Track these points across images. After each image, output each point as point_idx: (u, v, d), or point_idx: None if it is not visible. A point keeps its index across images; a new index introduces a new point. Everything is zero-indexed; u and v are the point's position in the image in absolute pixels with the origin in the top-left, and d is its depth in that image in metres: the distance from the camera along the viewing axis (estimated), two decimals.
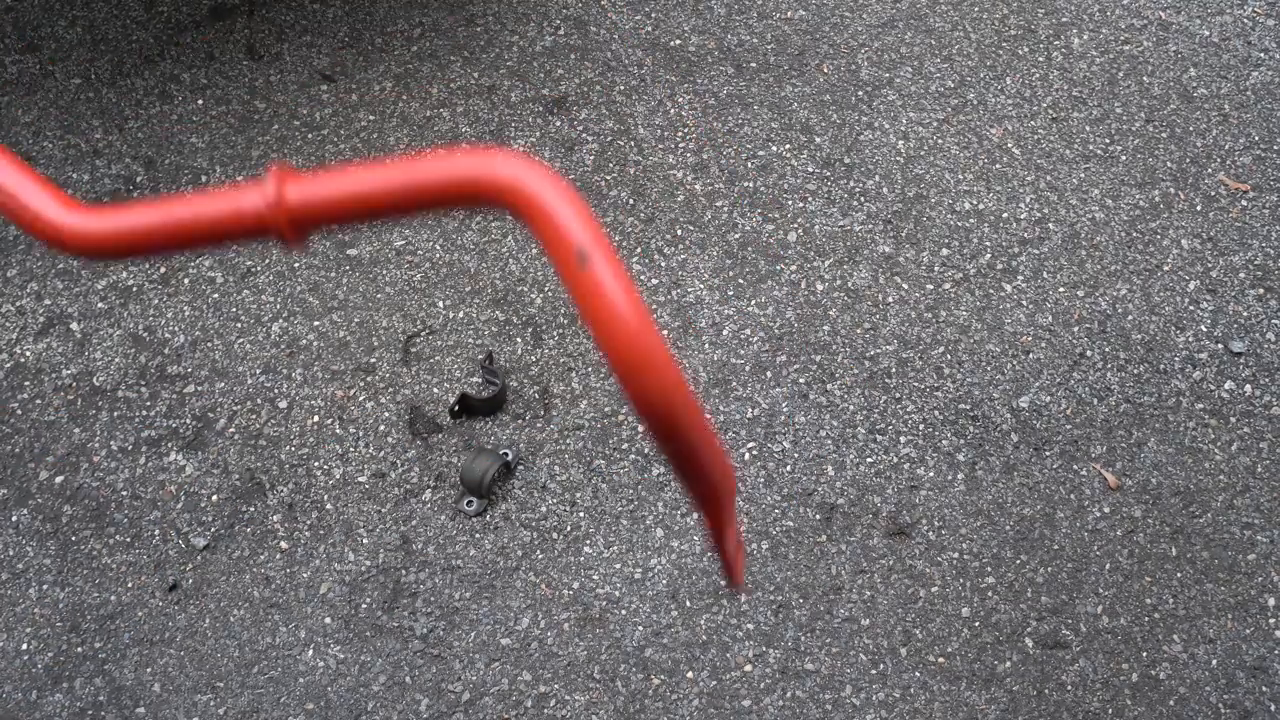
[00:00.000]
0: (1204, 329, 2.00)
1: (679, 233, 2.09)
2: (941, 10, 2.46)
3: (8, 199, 0.56)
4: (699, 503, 0.58)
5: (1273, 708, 1.64)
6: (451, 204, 0.52)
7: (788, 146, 2.22)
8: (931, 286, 2.04)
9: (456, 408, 1.84)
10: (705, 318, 1.99)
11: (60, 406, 1.89)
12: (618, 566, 1.74)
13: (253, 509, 1.79)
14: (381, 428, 1.86)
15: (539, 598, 1.71)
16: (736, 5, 2.45)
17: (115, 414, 1.88)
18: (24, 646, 1.67)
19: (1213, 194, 2.18)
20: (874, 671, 1.66)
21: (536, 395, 1.90)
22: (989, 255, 2.08)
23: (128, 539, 1.76)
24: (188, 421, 1.87)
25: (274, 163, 0.53)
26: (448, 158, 0.51)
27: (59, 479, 1.82)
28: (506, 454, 1.80)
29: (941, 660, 1.67)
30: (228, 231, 0.53)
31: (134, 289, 2.01)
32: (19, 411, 1.88)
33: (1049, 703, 1.64)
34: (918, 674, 1.66)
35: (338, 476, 1.81)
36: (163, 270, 2.03)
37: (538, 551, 1.75)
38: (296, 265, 2.04)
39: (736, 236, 2.09)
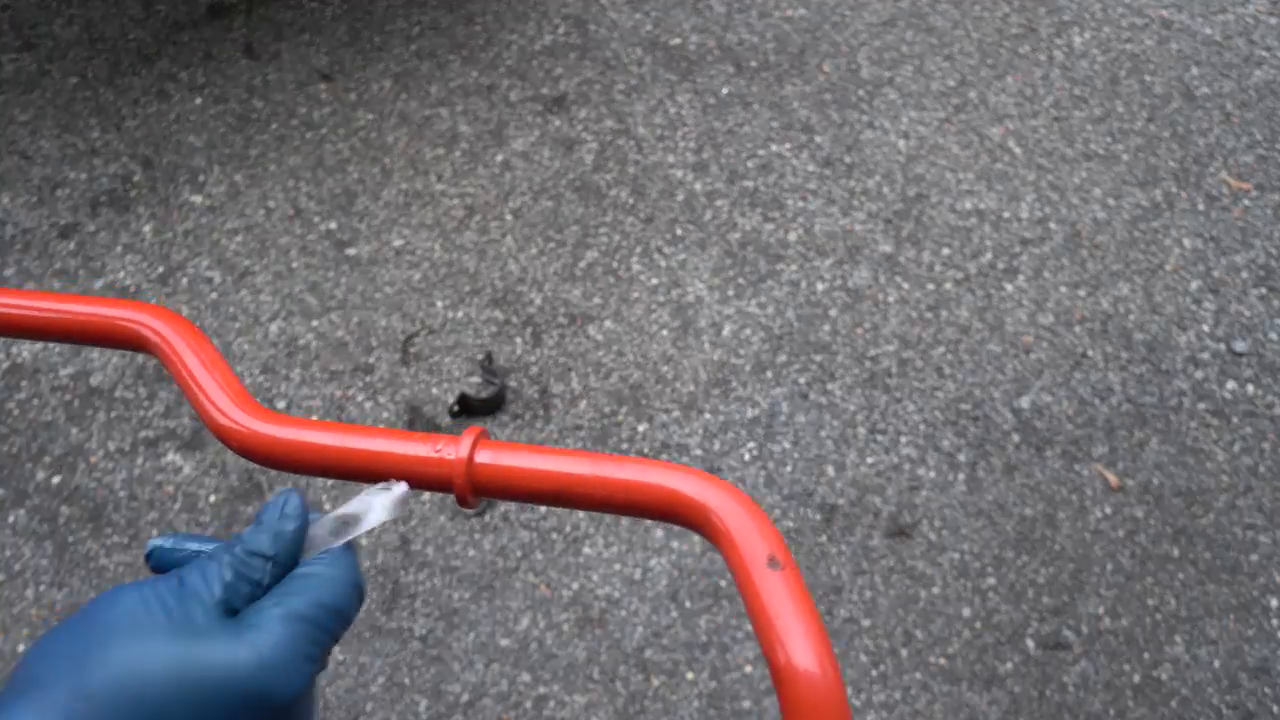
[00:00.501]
0: (1206, 329, 2.00)
1: (679, 232, 2.09)
2: (942, 9, 2.46)
3: (192, 390, 0.59)
4: None
5: (1275, 709, 1.63)
6: (641, 514, 0.52)
7: (788, 146, 2.21)
8: (932, 286, 2.03)
9: (456, 408, 1.83)
10: (705, 317, 1.98)
11: (58, 407, 1.88)
12: (617, 567, 1.73)
13: (251, 509, 1.78)
14: (381, 428, 1.85)
15: (538, 598, 1.70)
16: (737, 4, 2.45)
17: (113, 414, 1.87)
18: (21, 648, 1.66)
19: (1215, 193, 2.17)
20: (874, 672, 1.65)
21: (536, 395, 1.89)
22: (990, 255, 2.07)
23: (125, 539, 1.75)
24: (185, 422, 1.86)
25: (475, 426, 0.55)
26: (647, 467, 0.51)
27: (56, 479, 1.81)
28: None
29: (942, 661, 1.66)
30: (403, 475, 0.53)
31: (132, 289, 2.00)
32: (16, 412, 1.87)
33: (1050, 704, 1.63)
34: (918, 675, 1.65)
35: None
36: (160, 270, 2.03)
37: (537, 552, 1.74)
38: (295, 265, 2.03)
39: (736, 236, 2.08)
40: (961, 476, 1.83)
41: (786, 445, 1.85)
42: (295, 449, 0.54)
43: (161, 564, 0.50)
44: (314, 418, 1.86)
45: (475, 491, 0.53)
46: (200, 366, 0.59)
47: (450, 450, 0.52)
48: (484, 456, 0.53)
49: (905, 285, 2.03)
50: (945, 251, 2.08)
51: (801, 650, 0.45)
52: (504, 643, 1.67)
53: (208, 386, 0.58)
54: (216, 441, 1.86)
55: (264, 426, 0.55)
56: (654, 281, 2.02)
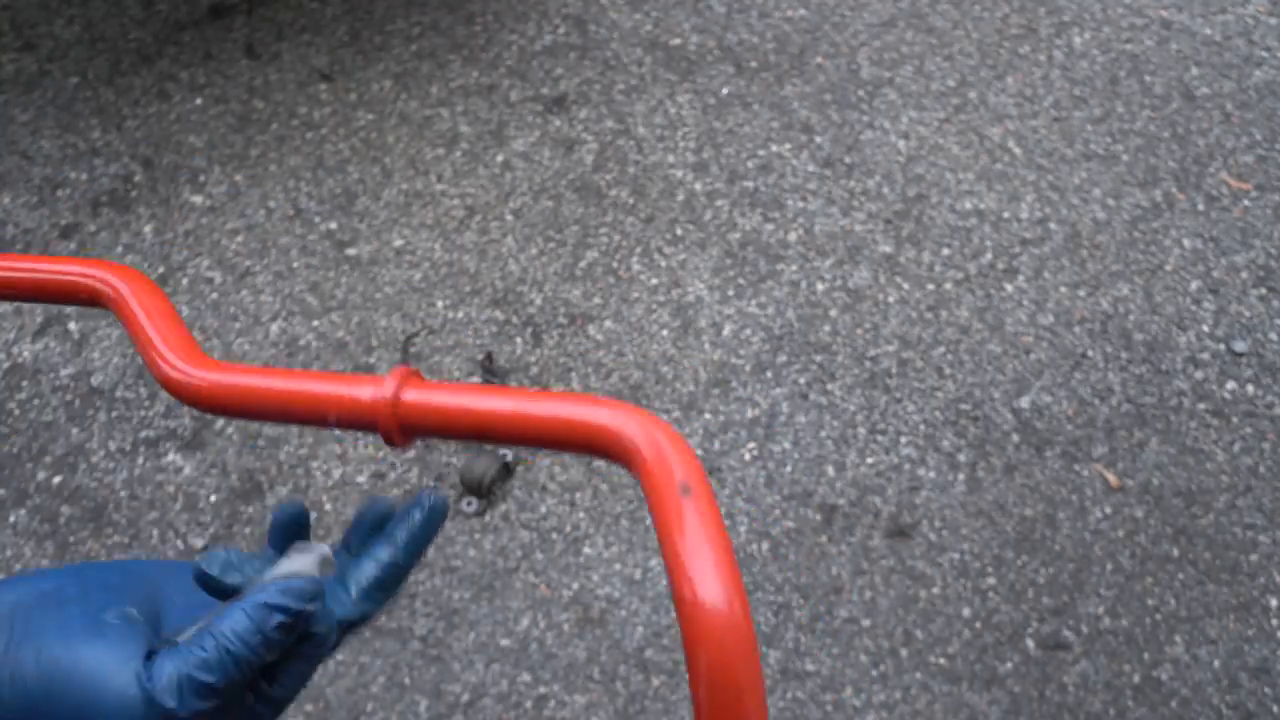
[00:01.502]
0: (1206, 329, 2.00)
1: (679, 232, 2.09)
2: (942, 9, 2.46)
3: (143, 342, 0.59)
4: None
5: (1275, 709, 1.63)
6: (565, 448, 0.52)
7: (788, 146, 2.21)
8: (932, 286, 2.03)
9: None
10: (705, 317, 1.98)
11: (58, 407, 1.88)
12: (617, 567, 1.73)
13: (251, 509, 1.78)
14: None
15: (538, 598, 1.71)
16: (736, 4, 2.45)
17: (113, 414, 1.87)
18: None
19: (1215, 193, 2.18)
20: (875, 672, 1.65)
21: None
22: (990, 255, 2.08)
23: (126, 539, 1.75)
24: (186, 422, 1.86)
25: (402, 365, 0.55)
26: (570, 402, 0.51)
27: (57, 479, 1.81)
28: (506, 454, 1.79)
29: (942, 661, 1.66)
30: (335, 414, 0.53)
31: None
32: (17, 412, 1.87)
33: (1050, 704, 1.63)
34: (919, 675, 1.65)
35: (337, 477, 1.81)
36: (161, 270, 2.03)
37: (537, 552, 1.74)
38: (295, 265, 2.03)
39: (736, 236, 2.08)
40: (961, 477, 1.83)
41: (786, 445, 1.85)
42: (237, 393, 0.55)
43: (211, 589, 0.48)
44: None
45: (403, 431, 0.53)
46: (149, 320, 0.59)
47: (376, 390, 0.52)
48: (411, 395, 0.52)
49: (905, 285, 2.03)
50: (945, 252, 2.08)
51: (706, 580, 0.43)
52: (504, 643, 1.67)
53: (155, 338, 0.58)
54: (217, 441, 1.87)
55: (206, 374, 0.56)
56: (654, 281, 2.03)
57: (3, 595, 0.43)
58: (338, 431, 1.84)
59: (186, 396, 0.56)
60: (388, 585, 0.50)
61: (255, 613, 0.43)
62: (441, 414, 0.52)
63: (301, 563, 0.47)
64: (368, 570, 0.50)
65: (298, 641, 0.45)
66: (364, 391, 0.53)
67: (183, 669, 0.41)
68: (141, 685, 0.41)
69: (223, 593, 0.46)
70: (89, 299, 0.62)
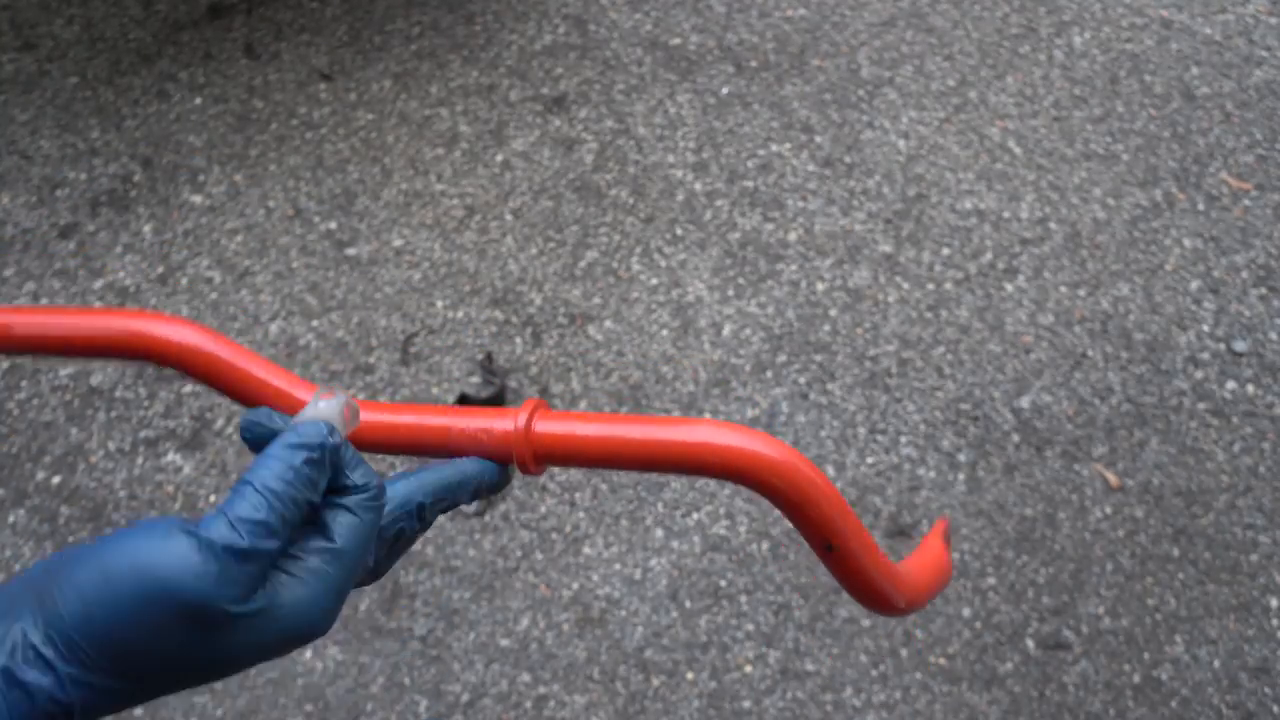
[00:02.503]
0: (1206, 329, 2.00)
1: (679, 232, 2.09)
2: (942, 8, 2.46)
3: (253, 386, 0.61)
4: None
5: (1276, 709, 1.63)
6: (693, 472, 0.54)
7: (788, 145, 2.21)
8: (932, 286, 2.03)
9: None
10: (705, 317, 1.98)
11: (57, 407, 1.88)
12: (617, 567, 1.73)
13: None
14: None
15: (538, 598, 1.70)
16: (736, 3, 2.45)
17: (113, 414, 1.87)
18: None
19: (1215, 193, 2.17)
20: (875, 672, 1.65)
21: (536, 395, 1.89)
22: (990, 255, 2.07)
23: None
24: (185, 422, 1.86)
25: (533, 398, 0.58)
26: (698, 425, 0.54)
27: (56, 479, 1.81)
28: None
29: (942, 661, 1.66)
30: (472, 447, 0.56)
31: (131, 289, 2.00)
32: (16, 412, 1.87)
33: (1050, 704, 1.63)
34: (919, 675, 1.65)
35: None
36: (160, 270, 2.03)
37: (537, 552, 1.74)
38: (295, 265, 2.03)
39: (736, 236, 2.08)
40: (961, 476, 1.83)
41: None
42: (375, 430, 0.57)
43: (256, 440, 0.50)
44: None
45: (537, 459, 0.55)
46: (251, 362, 0.60)
47: (509, 422, 0.55)
48: (543, 426, 0.55)
49: (905, 285, 2.03)
50: (945, 251, 2.08)
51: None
52: (504, 643, 1.67)
53: (273, 379, 0.59)
54: (217, 441, 1.86)
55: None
56: (654, 281, 2.02)
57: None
58: None
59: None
60: (431, 505, 0.52)
61: (281, 453, 0.44)
62: (573, 442, 0.55)
63: (325, 409, 0.49)
64: (411, 485, 0.52)
65: (340, 492, 0.46)
66: (500, 424, 0.55)
67: (231, 514, 0.42)
68: (199, 539, 0.41)
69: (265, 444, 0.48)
70: (154, 356, 0.61)
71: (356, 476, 0.47)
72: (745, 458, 0.52)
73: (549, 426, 0.55)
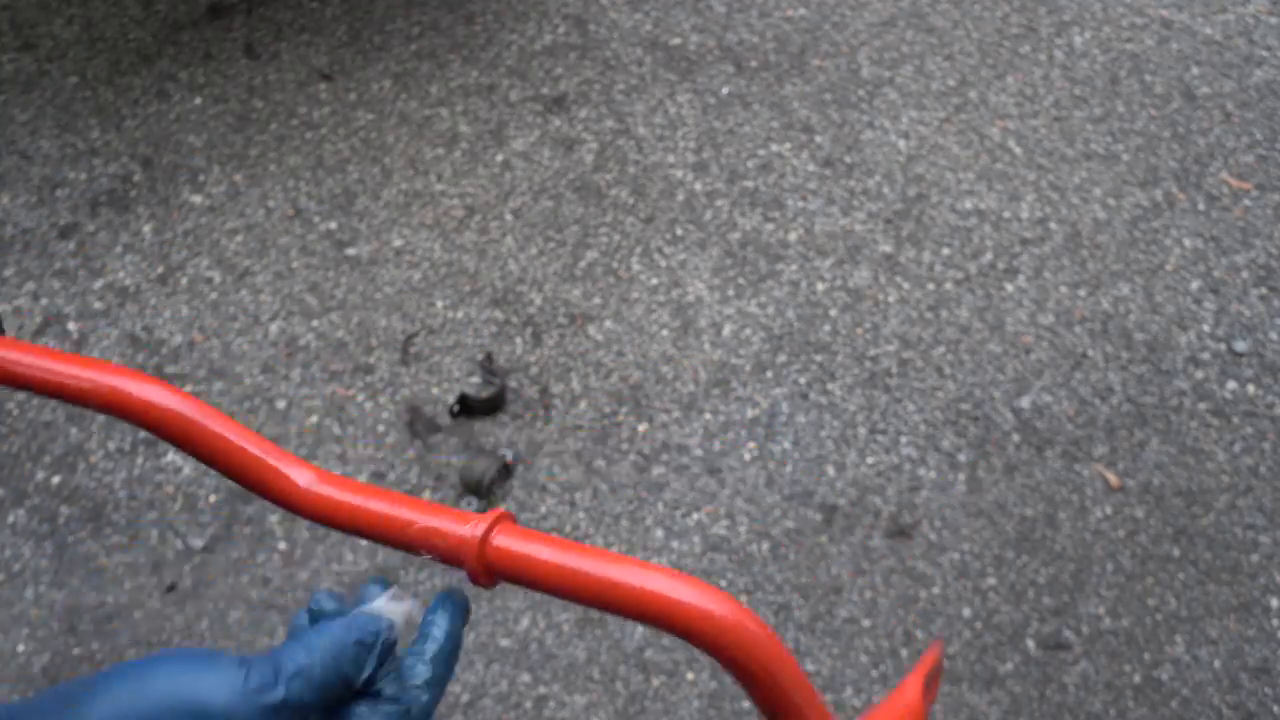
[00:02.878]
0: (1207, 329, 2.00)
1: (679, 232, 2.09)
2: (943, 8, 2.46)
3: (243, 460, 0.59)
4: None
5: (1276, 709, 1.63)
6: (650, 623, 0.52)
7: (788, 145, 2.21)
8: (933, 286, 2.03)
9: (456, 408, 1.83)
10: (705, 317, 1.98)
11: (57, 407, 1.88)
12: None
13: (251, 509, 1.78)
14: (380, 428, 1.85)
15: (538, 599, 1.71)
16: (737, 4, 2.45)
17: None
18: (20, 648, 1.66)
19: (1215, 193, 2.17)
20: (875, 672, 1.65)
21: (536, 395, 1.89)
22: (990, 255, 2.07)
23: (125, 540, 1.75)
24: None
25: (497, 509, 0.57)
26: (654, 573, 0.51)
27: (56, 479, 1.81)
28: (506, 454, 1.79)
29: (943, 661, 1.66)
30: (425, 546, 0.56)
31: (131, 289, 2.00)
32: (16, 412, 1.87)
33: (1051, 704, 1.63)
34: None
35: None
36: (160, 270, 2.03)
37: None
38: (295, 265, 2.03)
39: (737, 236, 2.08)
40: (962, 476, 1.82)
41: (787, 445, 1.85)
42: (341, 509, 0.57)
43: (317, 615, 0.51)
44: (313, 418, 1.86)
45: (488, 573, 0.54)
46: (234, 432, 0.58)
47: (468, 529, 0.54)
48: (501, 541, 0.54)
49: (905, 285, 2.03)
50: (945, 251, 2.07)
51: None
52: (504, 643, 1.67)
53: (269, 455, 0.58)
54: None
55: (316, 488, 0.57)
56: (654, 281, 2.02)
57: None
58: (337, 434, 1.84)
59: (313, 513, 0.57)
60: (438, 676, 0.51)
61: (342, 627, 0.47)
62: (528, 564, 0.53)
63: (392, 607, 0.51)
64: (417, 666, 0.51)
65: (373, 695, 0.47)
66: (458, 529, 0.54)
67: (279, 662, 0.44)
68: (244, 675, 0.42)
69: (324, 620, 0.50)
70: (124, 415, 0.59)
71: (392, 688, 0.48)
72: (694, 616, 0.50)
73: (507, 543, 0.54)
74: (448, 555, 0.54)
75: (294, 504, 0.56)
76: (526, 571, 0.53)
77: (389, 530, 0.56)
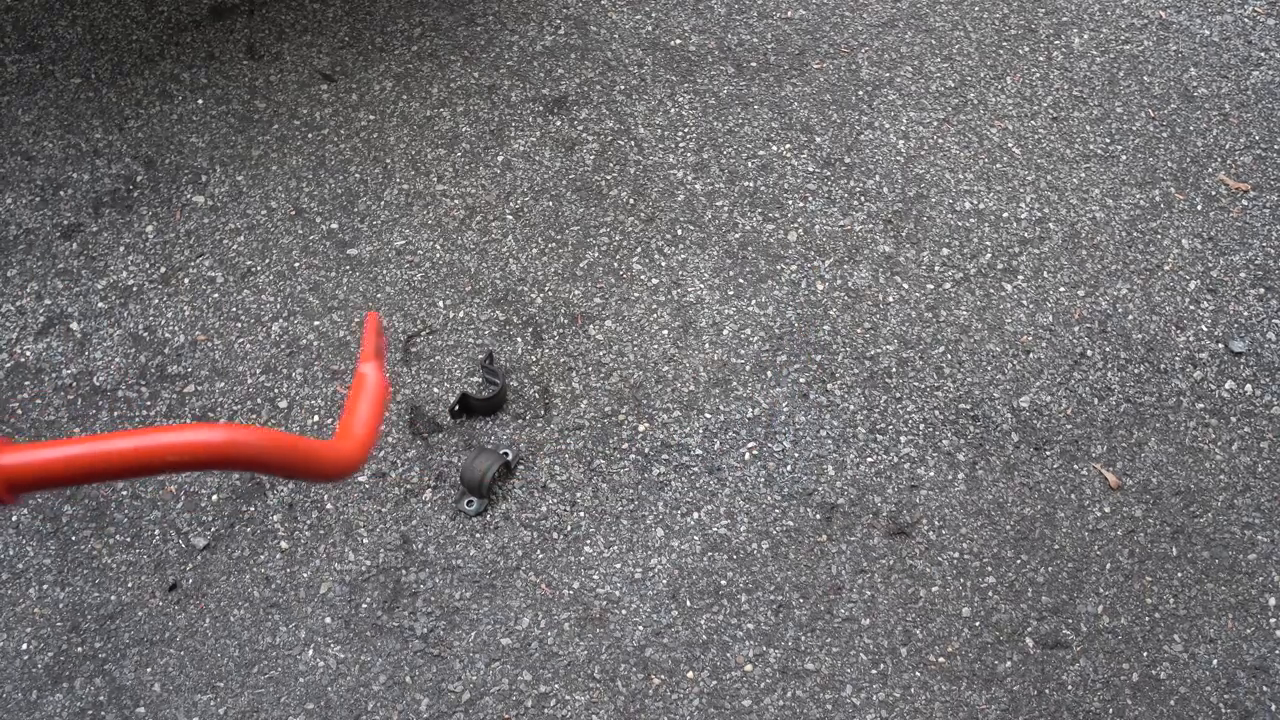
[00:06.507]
0: (1204, 328, 2.00)
1: (679, 232, 2.09)
2: (942, 10, 2.46)
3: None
4: None
5: (1273, 707, 1.64)
6: (163, 471, 0.62)
7: (788, 146, 2.22)
8: (932, 286, 2.04)
9: (457, 407, 1.84)
10: (705, 317, 1.99)
11: (60, 406, 1.89)
12: (618, 566, 1.74)
13: (253, 509, 1.79)
14: (382, 427, 1.86)
15: (539, 597, 1.71)
16: (737, 5, 2.45)
17: (115, 414, 1.87)
18: (24, 646, 1.67)
19: (1213, 193, 2.18)
20: (874, 671, 1.66)
21: (536, 395, 1.90)
22: (989, 255, 2.08)
23: (128, 539, 1.76)
24: (188, 422, 1.87)
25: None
26: (166, 431, 0.62)
27: None
28: (507, 454, 1.80)
29: (942, 660, 1.67)
30: None
31: (134, 289, 2.01)
32: (19, 411, 1.88)
33: (1049, 702, 1.63)
34: (918, 674, 1.66)
35: None
36: (163, 270, 2.03)
37: (538, 551, 1.75)
38: (297, 265, 2.04)
39: (737, 236, 2.09)
40: (961, 476, 1.83)
41: (786, 445, 1.85)
42: None
43: None
44: (315, 418, 1.87)
45: (9, 489, 0.59)
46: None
47: None
48: (11, 458, 0.59)
49: (905, 285, 2.04)
50: (945, 251, 2.08)
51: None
52: (505, 641, 1.68)
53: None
54: None
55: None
56: (654, 281, 2.03)
57: None
58: (338, 429, 1.85)
59: None
60: None
61: None
62: (42, 467, 0.59)
63: None
64: None
65: None
66: None
67: None
68: None
69: None
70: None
71: None
72: (197, 449, 0.60)
73: (17, 458, 0.58)
74: None
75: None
76: (43, 474, 0.58)
77: None
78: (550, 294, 2.02)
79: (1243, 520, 1.80)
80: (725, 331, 1.97)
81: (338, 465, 0.77)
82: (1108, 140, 2.25)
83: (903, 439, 1.87)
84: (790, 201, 2.14)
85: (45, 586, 1.72)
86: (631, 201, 2.13)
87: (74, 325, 1.97)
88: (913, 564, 1.75)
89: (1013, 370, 1.94)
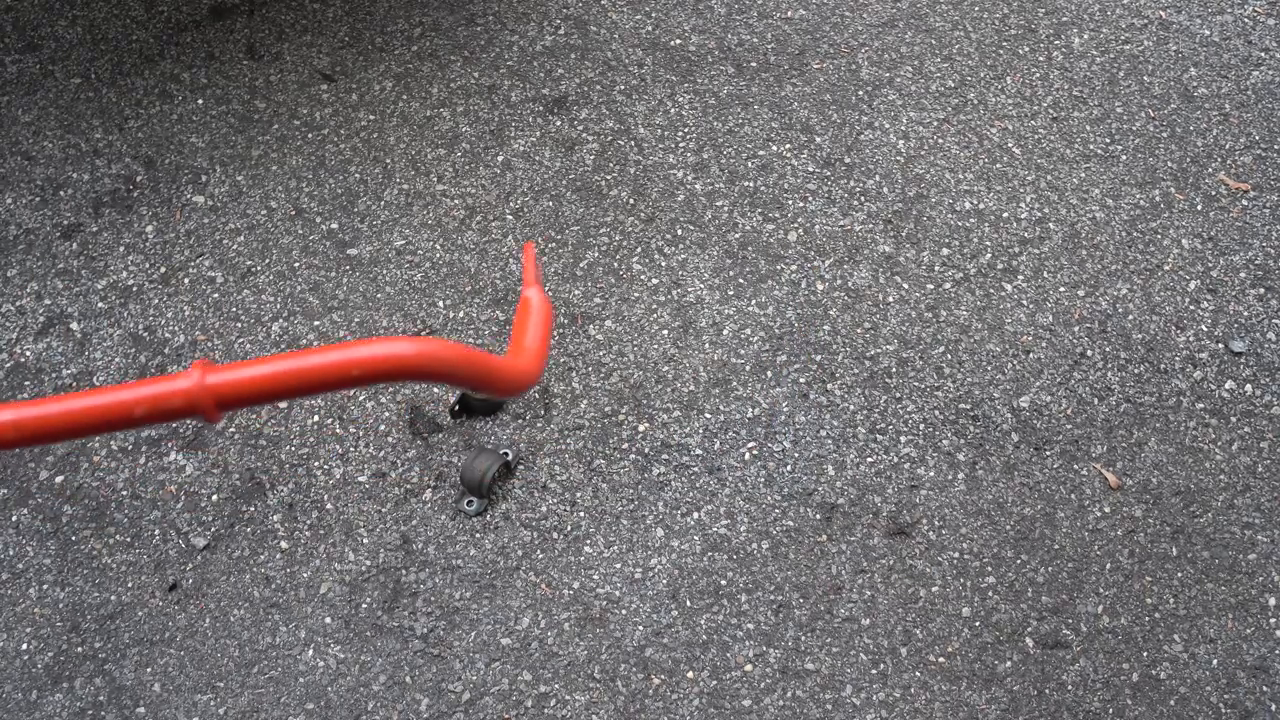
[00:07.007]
0: (1204, 328, 2.00)
1: (679, 232, 2.09)
2: (942, 9, 2.46)
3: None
4: None
5: (1273, 707, 1.64)
6: (359, 384, 0.64)
7: (788, 146, 2.22)
8: (932, 286, 2.04)
9: (457, 407, 1.84)
10: (706, 317, 1.99)
11: None
12: (618, 566, 1.74)
13: (253, 509, 1.79)
14: (382, 427, 1.86)
15: (539, 597, 1.71)
16: (737, 4, 2.45)
17: None
18: (24, 646, 1.67)
19: (1213, 193, 2.18)
20: (874, 671, 1.66)
21: (536, 395, 1.90)
22: (989, 255, 2.08)
23: (128, 539, 1.76)
24: (187, 421, 1.87)
25: (201, 359, 0.63)
26: (361, 345, 0.65)
27: (59, 479, 1.82)
28: (507, 454, 1.80)
29: (942, 660, 1.67)
30: (152, 416, 0.62)
31: (134, 289, 2.01)
32: None
33: (1049, 702, 1.63)
34: (918, 674, 1.66)
35: (338, 476, 1.81)
36: (163, 270, 2.03)
37: (538, 551, 1.75)
38: (297, 265, 2.04)
39: (737, 236, 2.09)
40: (961, 476, 1.83)
41: (786, 445, 1.85)
42: (54, 421, 0.63)
43: None
44: (315, 418, 1.87)
45: (218, 407, 0.62)
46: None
47: (185, 381, 0.61)
48: (216, 377, 0.62)
49: (905, 285, 2.04)
50: (945, 251, 2.08)
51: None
52: (505, 641, 1.68)
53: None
54: (219, 441, 1.87)
55: (30, 413, 0.63)
56: (654, 281, 2.03)
57: None
58: (339, 433, 1.85)
59: (13, 440, 0.63)
60: None
61: None
62: (248, 384, 0.61)
63: None
64: None
65: None
66: (178, 385, 0.62)
67: None
68: None
69: None
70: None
71: None
72: (393, 361, 0.62)
73: (222, 377, 0.62)
74: (182, 410, 0.61)
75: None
76: (250, 392, 0.61)
77: (119, 418, 0.61)
78: (550, 294, 2.02)
79: (1243, 520, 1.80)
80: (725, 331, 1.97)
81: (517, 379, 0.81)
82: (1108, 140, 2.25)
83: (903, 439, 1.87)
84: (790, 201, 2.14)
85: (45, 586, 1.72)
86: (631, 201, 2.13)
87: (74, 325, 1.97)
88: (913, 564, 1.75)
89: (1013, 370, 1.94)
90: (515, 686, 1.64)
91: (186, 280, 2.03)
